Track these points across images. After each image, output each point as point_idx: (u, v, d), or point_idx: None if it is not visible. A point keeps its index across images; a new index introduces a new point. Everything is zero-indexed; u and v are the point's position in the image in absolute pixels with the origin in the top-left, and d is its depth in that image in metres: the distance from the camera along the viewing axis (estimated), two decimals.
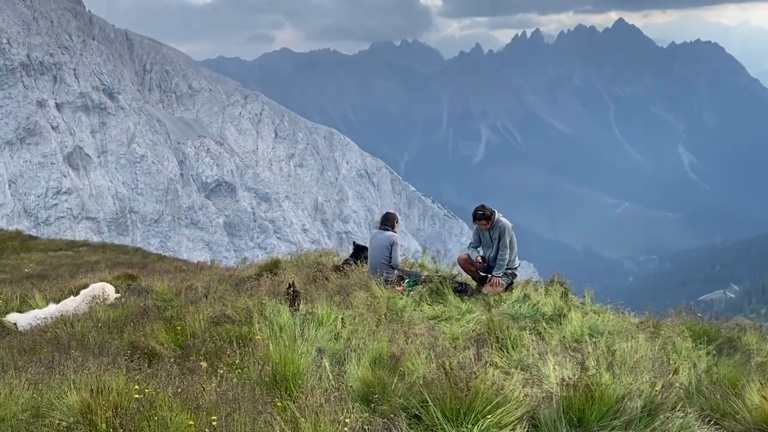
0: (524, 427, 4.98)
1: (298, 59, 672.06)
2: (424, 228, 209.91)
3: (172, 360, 6.45)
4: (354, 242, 12.53)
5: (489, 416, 4.91)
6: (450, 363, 5.37)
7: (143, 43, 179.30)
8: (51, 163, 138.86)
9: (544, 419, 5.06)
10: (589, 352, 6.88)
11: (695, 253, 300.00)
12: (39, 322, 9.57)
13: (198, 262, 32.62)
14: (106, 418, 4.69)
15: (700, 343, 7.91)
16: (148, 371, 5.93)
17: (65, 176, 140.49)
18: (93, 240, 69.60)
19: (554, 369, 5.99)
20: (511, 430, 4.90)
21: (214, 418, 4.63)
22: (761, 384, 5.75)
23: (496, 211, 10.82)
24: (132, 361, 6.38)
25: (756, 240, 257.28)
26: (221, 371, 6.07)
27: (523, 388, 5.43)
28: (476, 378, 5.13)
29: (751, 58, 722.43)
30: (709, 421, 5.40)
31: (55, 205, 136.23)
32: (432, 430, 4.91)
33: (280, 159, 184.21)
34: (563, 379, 5.30)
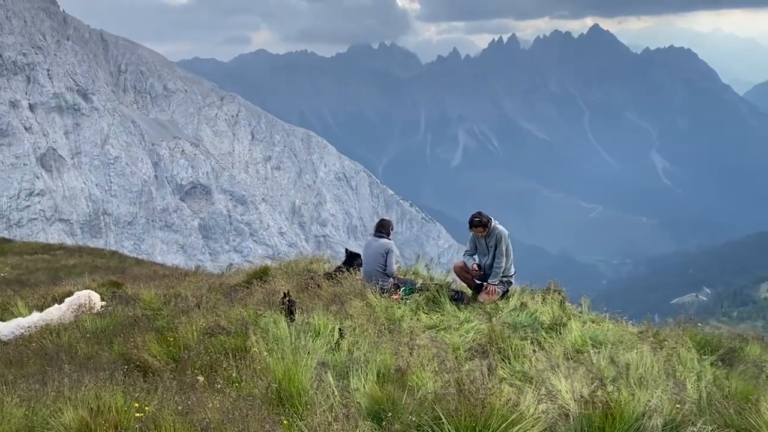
0: None
1: (275, 61, 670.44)
2: (402, 231, 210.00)
3: (169, 374, 6.22)
4: (346, 249, 12.26)
5: None
6: (462, 378, 5.23)
7: (118, 44, 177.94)
8: (24, 164, 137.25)
9: None
10: (601, 366, 6.76)
11: (669, 258, 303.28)
12: (23, 331, 9.24)
13: (175, 266, 32.30)
14: None
15: (703, 354, 7.83)
16: (145, 386, 5.71)
17: (38, 177, 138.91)
18: (67, 242, 68.61)
19: (567, 384, 5.85)
20: None
21: None
22: None
23: (492, 219, 10.67)
24: (127, 376, 6.15)
25: (729, 245, 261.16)
26: (219, 385, 5.87)
27: (537, 404, 5.26)
28: (491, 394, 4.98)
29: (723, 64, 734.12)
30: None
31: (28, 206, 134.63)
32: None
33: (257, 161, 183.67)
34: (581, 396, 5.17)
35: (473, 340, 8.16)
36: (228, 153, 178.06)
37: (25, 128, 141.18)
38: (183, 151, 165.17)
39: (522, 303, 9.99)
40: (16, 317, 10.28)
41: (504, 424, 4.82)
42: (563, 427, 5.00)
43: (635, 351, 7.47)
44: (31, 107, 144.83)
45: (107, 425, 4.62)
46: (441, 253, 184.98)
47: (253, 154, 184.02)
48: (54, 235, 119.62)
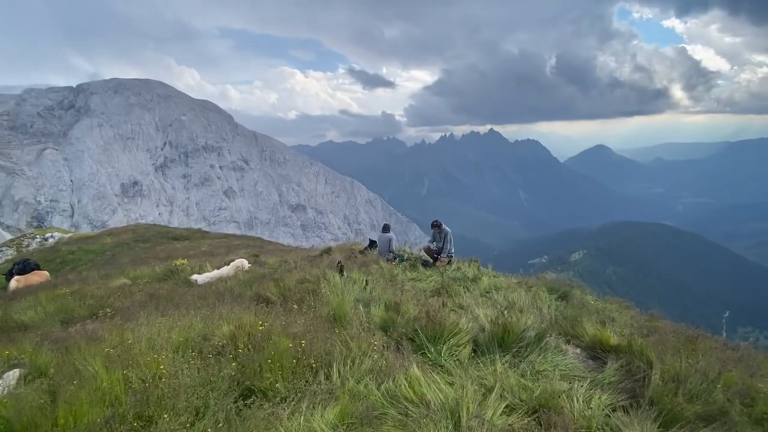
0: (471, 346, 4.44)
1: (336, 146, 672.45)
2: (395, 228, 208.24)
3: (279, 304, 5.86)
4: (369, 239, 11.85)
5: (451, 339, 4.39)
6: (429, 310, 4.84)
7: (262, 137, 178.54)
8: (216, 195, 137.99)
9: (481, 342, 4.52)
10: (499, 301, 6.33)
11: (526, 240, 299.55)
12: (209, 279, 8.94)
13: (288, 244, 31.88)
14: (244, 341, 4.14)
15: (550, 293, 7.38)
16: (266, 309, 5.35)
17: (223, 201, 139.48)
18: (236, 233, 68.55)
19: (483, 311, 5.44)
20: (463, 348, 4.36)
21: (303, 341, 4.08)
22: (593, 322, 5.25)
23: (442, 223, 10.30)
24: (258, 305, 5.78)
25: (554, 234, 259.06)
26: (304, 310, 5.50)
27: (468, 323, 4.86)
28: (444, 318, 4.59)
29: (552, 147, 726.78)
30: (567, 341, 4.87)
31: (218, 215, 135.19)
32: (421, 347, 4.37)
33: (328, 194, 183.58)
34: (492, 320, 4.77)
35: (433, 286, 7.76)
36: (314, 190, 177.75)
37: (217, 177, 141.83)
38: (293, 189, 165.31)
39: (458, 267, 9.54)
40: (207, 272, 9.98)
41: (451, 334, 4.44)
42: (482, 336, 4.60)
43: (516, 293, 7.06)
44: (220, 167, 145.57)
45: (244, 333, 4.26)
46: (415, 240, 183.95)
47: (325, 190, 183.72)
48: (230, 230, 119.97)
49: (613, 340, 4.59)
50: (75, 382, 3.47)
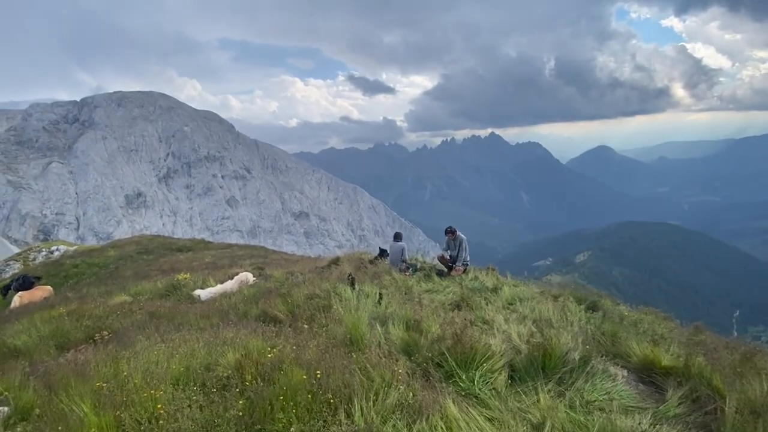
0: (507, 372, 3.93)
1: (339, 152, 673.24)
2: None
3: (287, 324, 5.36)
4: (380, 248, 11.31)
5: (485, 364, 3.88)
6: (457, 329, 4.33)
7: (264, 145, 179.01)
8: (219, 204, 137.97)
9: (518, 366, 4.00)
10: (525, 313, 5.77)
11: (529, 243, 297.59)
12: (212, 295, 8.44)
13: (293, 253, 31.40)
14: (251, 372, 3.66)
15: (578, 303, 6.82)
16: (274, 330, 4.86)
17: (226, 210, 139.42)
18: (239, 243, 68.13)
19: (515, 329, 4.90)
20: (498, 374, 3.85)
21: (318, 371, 3.59)
22: (638, 338, 4.71)
23: (457, 229, 9.79)
24: (265, 324, 5.30)
25: (559, 236, 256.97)
26: (315, 329, 5.01)
27: (501, 344, 4.33)
28: (476, 341, 4.08)
29: (553, 148, 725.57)
30: (613, 363, 4.34)
31: (221, 224, 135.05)
32: (450, 374, 3.86)
33: (331, 200, 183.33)
34: (527, 339, 4.26)
35: (452, 298, 7.23)
36: (317, 197, 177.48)
37: (219, 187, 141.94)
38: (295, 196, 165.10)
39: (475, 276, 8.99)
40: (210, 287, 9.49)
41: (483, 358, 3.93)
42: (518, 360, 4.07)
43: (542, 304, 6.51)
44: (222, 177, 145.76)
45: (251, 362, 3.79)
46: (419, 245, 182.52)
47: (328, 197, 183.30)
48: (234, 239, 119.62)
49: (666, 360, 4.07)
50: (60, 428, 3.01)
